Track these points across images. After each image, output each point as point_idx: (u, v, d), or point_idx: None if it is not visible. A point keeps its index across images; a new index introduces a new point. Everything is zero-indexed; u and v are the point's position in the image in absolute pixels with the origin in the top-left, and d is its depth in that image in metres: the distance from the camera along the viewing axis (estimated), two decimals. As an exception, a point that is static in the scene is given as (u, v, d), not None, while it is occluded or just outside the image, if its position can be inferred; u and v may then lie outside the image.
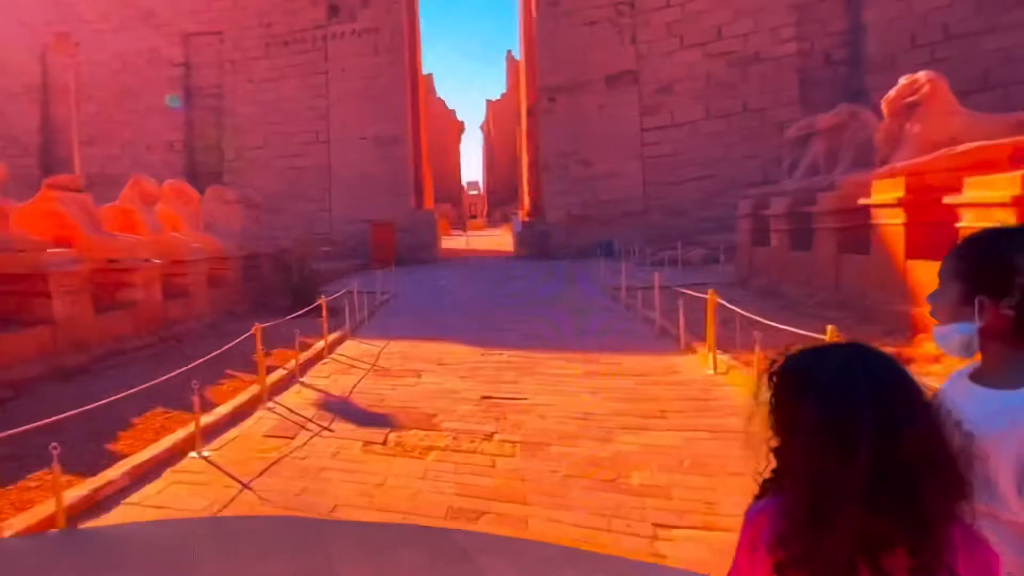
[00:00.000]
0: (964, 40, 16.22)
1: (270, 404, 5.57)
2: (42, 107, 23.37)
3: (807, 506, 0.80)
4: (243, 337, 6.30)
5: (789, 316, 8.22)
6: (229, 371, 6.79)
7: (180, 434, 4.47)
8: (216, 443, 4.58)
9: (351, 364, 7.30)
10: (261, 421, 5.16)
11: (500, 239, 33.04)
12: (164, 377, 5.19)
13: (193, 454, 4.26)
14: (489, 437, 4.73)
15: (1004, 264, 0.97)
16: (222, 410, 5.14)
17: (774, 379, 0.88)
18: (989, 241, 1.04)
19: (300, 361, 7.04)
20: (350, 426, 5.10)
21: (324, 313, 7.99)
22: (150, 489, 3.70)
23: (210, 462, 4.17)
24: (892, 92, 7.62)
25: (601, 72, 20.62)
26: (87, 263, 6.99)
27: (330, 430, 5.00)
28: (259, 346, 5.76)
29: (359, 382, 6.45)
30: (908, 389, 0.80)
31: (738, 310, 6.37)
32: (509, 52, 50.98)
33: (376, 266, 17.60)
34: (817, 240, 8.78)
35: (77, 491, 3.28)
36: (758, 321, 6.09)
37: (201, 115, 23.07)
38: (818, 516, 0.79)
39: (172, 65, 22.87)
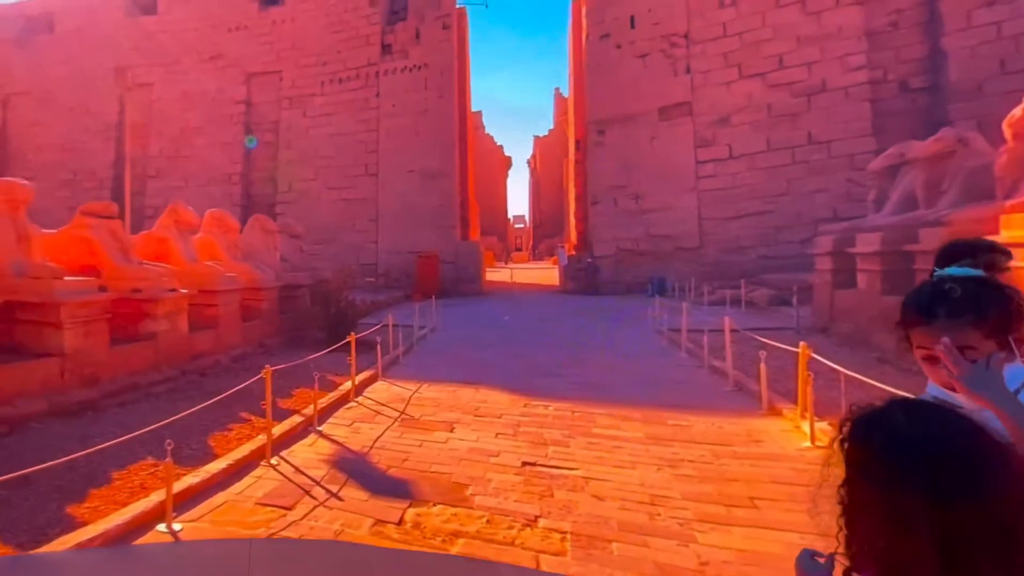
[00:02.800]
0: (1065, 65, 14.58)
1: (275, 460, 4.80)
2: (117, 143, 24.71)
3: None
4: (258, 377, 5.62)
5: (891, 373, 6.91)
6: (244, 413, 6.13)
7: (153, 499, 3.72)
8: (196, 511, 3.81)
9: (377, 410, 6.51)
10: (259, 482, 4.37)
11: (545, 273, 32.26)
12: (162, 423, 4.52)
13: (161, 527, 3.49)
14: (532, 522, 3.76)
15: (1005, 299, 1.07)
16: (214, 467, 4.39)
17: (842, 447, 0.81)
18: (987, 288, 1.08)
19: (322, 405, 6.31)
20: (363, 494, 4.25)
21: (352, 351, 7.28)
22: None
23: (179, 539, 3.39)
24: (1018, 111, 6.41)
25: (653, 104, 19.90)
26: (107, 293, 6.59)
27: (338, 498, 4.16)
28: (268, 393, 5.05)
29: (383, 434, 5.62)
30: (976, 454, 0.71)
31: (841, 369, 5.18)
32: (557, 90, 51.48)
33: (419, 298, 17.08)
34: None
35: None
36: (862, 380, 4.92)
37: (258, 149, 23.80)
38: None
39: (235, 103, 23.84)
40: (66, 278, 6.15)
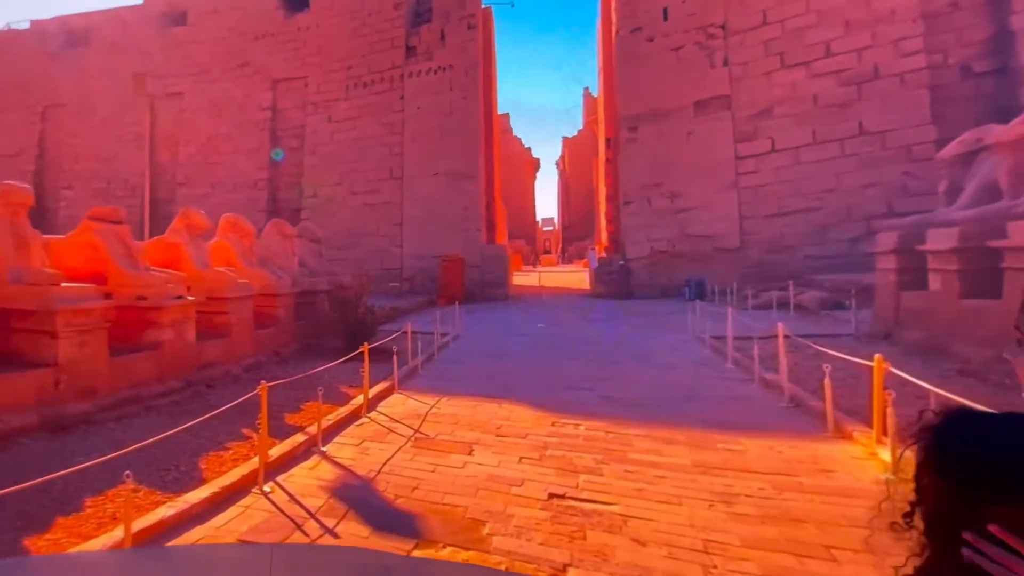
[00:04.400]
0: None
1: (268, 486, 4.26)
2: (148, 152, 25.15)
3: None
4: (253, 391, 5.10)
5: (976, 387, 5.97)
6: (246, 430, 5.64)
7: (115, 535, 3.21)
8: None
9: (390, 427, 5.93)
10: (246, 514, 3.83)
11: (574, 276, 31.44)
12: (150, 440, 4.05)
13: None
14: (560, 573, 3.12)
15: None
16: (194, 496, 3.86)
17: (929, 459, 0.74)
18: None
19: (330, 422, 5.79)
20: (363, 530, 3.66)
21: (366, 362, 6.75)
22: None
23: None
24: None
25: (688, 98, 18.96)
26: (109, 300, 6.24)
27: (334, 535, 3.59)
28: (264, 410, 4.52)
29: (393, 456, 5.04)
30: None
31: (930, 387, 4.33)
32: (586, 89, 50.62)
33: (444, 303, 16.60)
34: (1010, 285, 6.47)
35: None
36: (948, 397, 4.06)
37: (284, 155, 23.83)
38: None
39: (261, 109, 23.97)
40: (64, 284, 5.81)
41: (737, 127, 18.21)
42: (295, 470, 4.69)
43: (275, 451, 4.84)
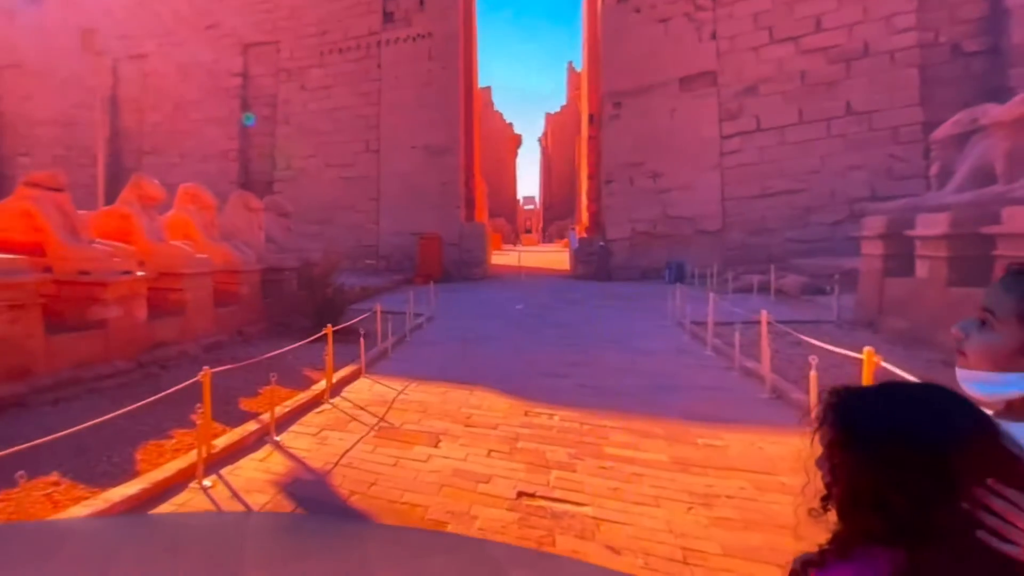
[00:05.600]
0: None
1: (210, 480, 3.89)
2: (112, 118, 23.84)
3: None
4: (213, 371, 4.66)
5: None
6: (195, 416, 5.23)
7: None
8: None
9: (353, 415, 5.57)
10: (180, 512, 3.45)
11: (555, 256, 31.11)
12: (83, 426, 3.64)
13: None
14: (522, 588, 2.79)
15: None
16: (118, 493, 3.47)
17: (836, 438, 0.76)
18: None
19: (287, 408, 5.42)
20: (311, 537, 3.32)
21: (329, 343, 6.34)
22: None
23: None
24: None
25: (674, 73, 18.47)
26: (46, 274, 5.70)
27: (279, 543, 3.23)
28: (206, 397, 4.11)
29: (353, 447, 4.69)
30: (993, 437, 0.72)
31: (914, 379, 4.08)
32: (570, 64, 49.49)
33: (420, 282, 16.14)
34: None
35: None
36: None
37: (256, 125, 22.79)
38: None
39: (231, 75, 22.79)
40: (-11, 257, 5.25)
41: (722, 104, 17.82)
42: (243, 462, 4.32)
43: (222, 441, 4.46)
